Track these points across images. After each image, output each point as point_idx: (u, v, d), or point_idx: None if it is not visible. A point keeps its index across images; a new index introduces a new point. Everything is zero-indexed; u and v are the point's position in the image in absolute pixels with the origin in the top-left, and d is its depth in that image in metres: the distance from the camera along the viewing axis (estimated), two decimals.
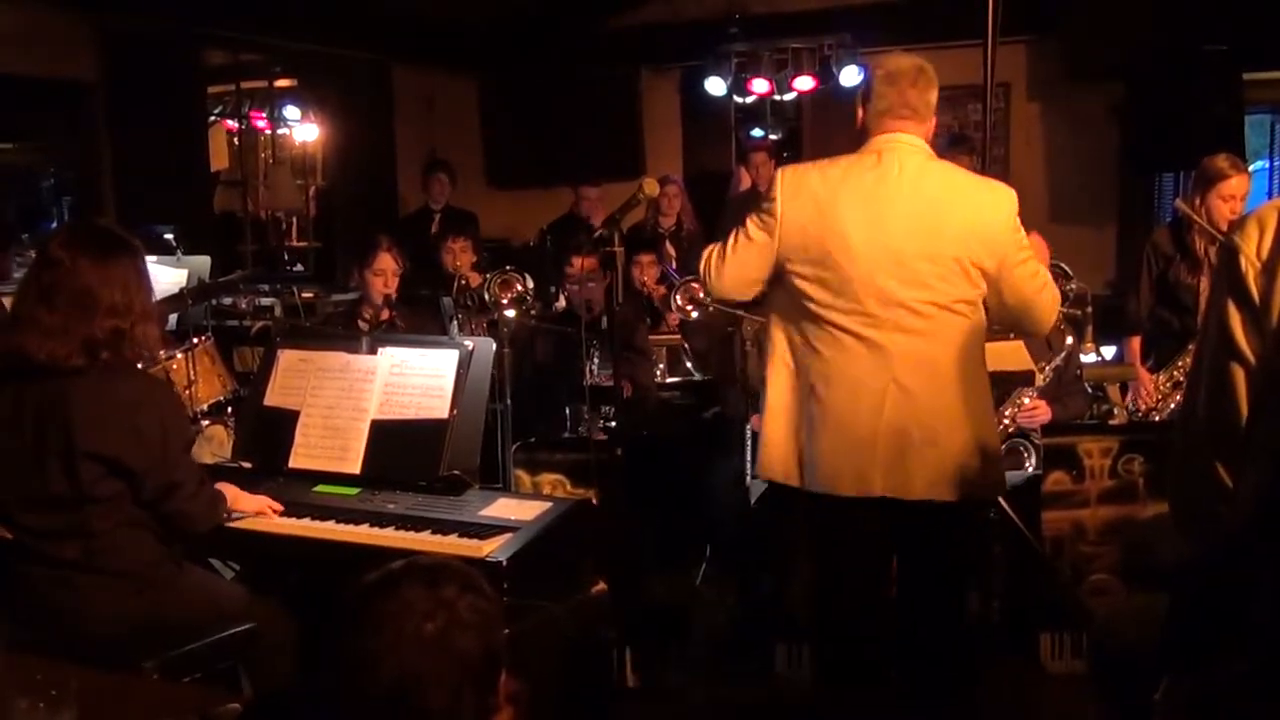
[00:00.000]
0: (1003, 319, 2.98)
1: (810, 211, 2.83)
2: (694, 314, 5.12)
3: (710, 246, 3.04)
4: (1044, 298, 2.92)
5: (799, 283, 2.86)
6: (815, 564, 3.08)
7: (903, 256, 2.78)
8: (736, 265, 2.95)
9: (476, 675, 1.54)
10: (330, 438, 3.37)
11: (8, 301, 4.82)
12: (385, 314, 4.50)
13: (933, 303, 2.80)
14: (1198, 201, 4.44)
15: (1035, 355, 4.05)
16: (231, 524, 3.02)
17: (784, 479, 2.96)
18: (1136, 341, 4.75)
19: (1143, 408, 4.65)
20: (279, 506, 3.13)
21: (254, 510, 3.09)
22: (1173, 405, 4.54)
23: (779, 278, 2.92)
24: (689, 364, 5.17)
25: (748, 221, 2.92)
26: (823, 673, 3.20)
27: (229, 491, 3.06)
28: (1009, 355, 3.79)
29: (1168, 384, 4.60)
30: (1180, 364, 4.54)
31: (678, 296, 5.14)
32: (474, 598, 1.56)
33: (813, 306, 2.85)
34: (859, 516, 2.86)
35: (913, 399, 2.80)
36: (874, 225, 2.79)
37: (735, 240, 2.94)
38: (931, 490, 2.83)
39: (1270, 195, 8.15)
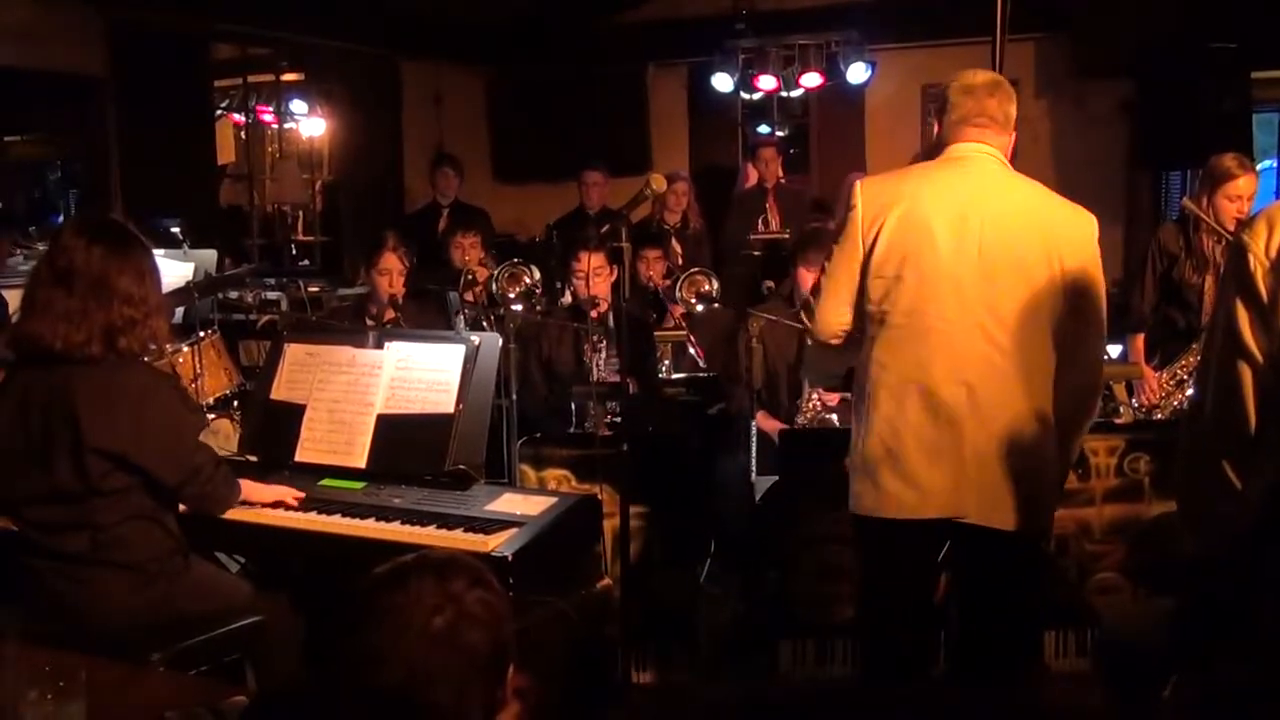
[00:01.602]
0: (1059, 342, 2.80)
1: (892, 215, 2.73)
2: (699, 307, 5.11)
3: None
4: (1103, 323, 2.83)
5: (878, 288, 2.75)
6: (861, 568, 3.02)
7: (988, 259, 2.69)
8: (830, 291, 2.84)
9: (484, 670, 1.54)
10: (336, 432, 3.37)
11: (8, 294, 4.85)
12: (389, 314, 4.47)
13: (1013, 310, 2.70)
14: (1204, 201, 4.42)
15: None
16: (237, 517, 3.02)
17: (872, 511, 2.82)
18: (1140, 339, 4.73)
19: (1146, 404, 4.65)
20: (299, 494, 3.13)
21: (271, 500, 3.10)
22: (1175, 403, 4.54)
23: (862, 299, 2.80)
24: (696, 357, 5.16)
25: (831, 248, 2.84)
26: (866, 670, 3.16)
27: (244, 485, 3.06)
28: None
29: (1171, 382, 4.59)
30: (1184, 362, 4.54)
31: (682, 289, 5.13)
32: (483, 592, 1.56)
33: (889, 312, 2.74)
34: (911, 532, 2.77)
35: (981, 408, 2.69)
36: (961, 226, 2.70)
37: (824, 271, 2.86)
38: (988, 516, 2.73)
39: (1278, 193, 8.13)
